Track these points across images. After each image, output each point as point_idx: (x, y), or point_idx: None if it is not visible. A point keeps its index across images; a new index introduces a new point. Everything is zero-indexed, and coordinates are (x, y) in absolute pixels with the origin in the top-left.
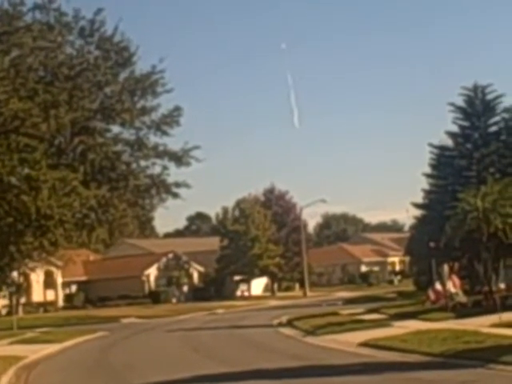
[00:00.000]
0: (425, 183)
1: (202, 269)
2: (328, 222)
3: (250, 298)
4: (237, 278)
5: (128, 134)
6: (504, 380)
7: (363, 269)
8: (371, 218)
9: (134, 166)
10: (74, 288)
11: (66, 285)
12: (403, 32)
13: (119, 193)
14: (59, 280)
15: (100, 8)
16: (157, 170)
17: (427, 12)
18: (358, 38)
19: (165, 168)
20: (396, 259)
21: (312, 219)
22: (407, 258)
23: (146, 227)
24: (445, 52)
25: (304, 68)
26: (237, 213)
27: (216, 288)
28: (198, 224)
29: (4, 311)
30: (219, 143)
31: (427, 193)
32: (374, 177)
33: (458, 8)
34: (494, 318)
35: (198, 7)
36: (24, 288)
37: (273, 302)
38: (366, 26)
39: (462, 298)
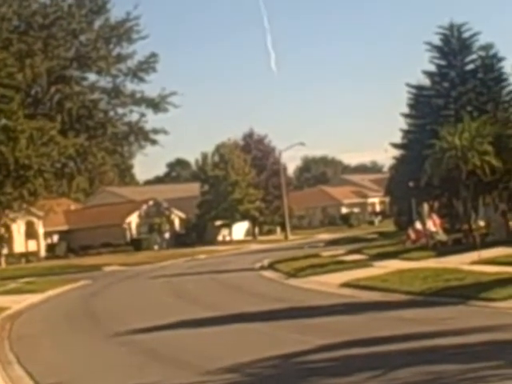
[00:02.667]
0: (403, 123)
1: (183, 215)
2: (307, 164)
3: (231, 242)
4: (218, 223)
5: (105, 82)
6: (483, 316)
7: (344, 210)
8: (350, 159)
9: (111, 113)
10: (55, 238)
11: (47, 235)
12: None
13: (97, 141)
14: (41, 230)
15: None
16: (134, 117)
17: None
18: None
19: (142, 115)
20: (376, 200)
21: (291, 162)
22: (387, 199)
23: (125, 175)
24: None
25: (281, 11)
26: (216, 158)
27: (198, 234)
28: (177, 170)
29: None
30: (197, 89)
31: (406, 133)
32: (353, 119)
33: None
34: (473, 255)
35: None
36: (5, 239)
37: (254, 246)
38: None
39: (442, 237)
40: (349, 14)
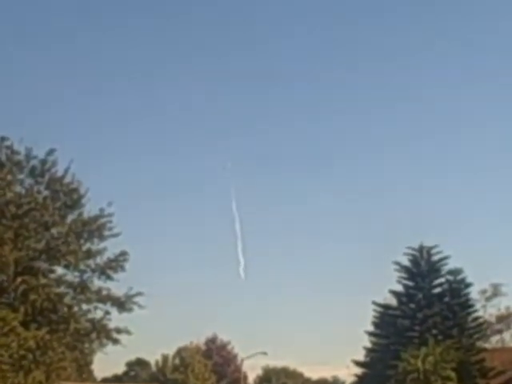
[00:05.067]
0: (367, 341)
1: None
2: (268, 375)
3: None
4: None
5: (72, 276)
6: None
7: None
8: (311, 373)
9: (75, 308)
10: None
11: None
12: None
13: (59, 335)
14: None
15: (52, 148)
16: (99, 314)
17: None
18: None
19: (107, 313)
20: None
21: (252, 371)
22: None
23: (83, 371)
24: (395, 213)
25: (253, 215)
26: (177, 361)
27: None
28: (137, 370)
29: None
30: (163, 289)
31: (369, 351)
32: (317, 331)
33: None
34: None
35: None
36: None
37: None
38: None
39: None
40: (319, 228)
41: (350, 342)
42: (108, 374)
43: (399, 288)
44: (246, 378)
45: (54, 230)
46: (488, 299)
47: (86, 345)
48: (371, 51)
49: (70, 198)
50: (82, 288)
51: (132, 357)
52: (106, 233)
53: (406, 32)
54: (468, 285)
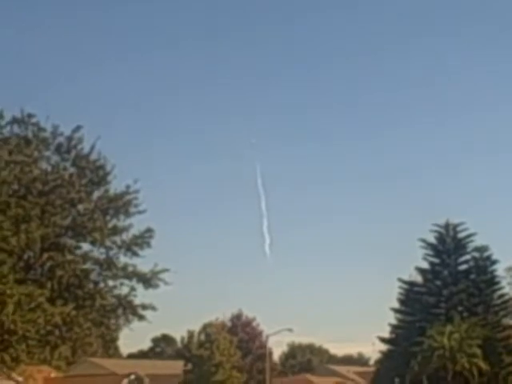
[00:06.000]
0: (392, 318)
1: None
2: (293, 351)
3: None
4: None
5: (98, 253)
6: None
7: None
8: (337, 349)
9: (101, 285)
10: None
11: None
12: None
13: (85, 311)
14: None
15: (79, 125)
16: (124, 290)
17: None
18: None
19: (132, 289)
20: None
21: (278, 348)
22: None
23: (109, 346)
24: (422, 192)
25: (279, 197)
26: (203, 337)
27: None
28: (162, 346)
29: None
30: (189, 265)
31: (394, 328)
32: (343, 308)
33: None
34: None
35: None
36: None
37: None
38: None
39: None
40: (342, 207)
41: (376, 319)
42: (134, 349)
43: (425, 265)
44: (271, 354)
45: (80, 207)
46: None
47: (112, 321)
48: None
49: (96, 174)
50: (108, 264)
51: (158, 333)
52: (132, 209)
53: None
54: (494, 262)
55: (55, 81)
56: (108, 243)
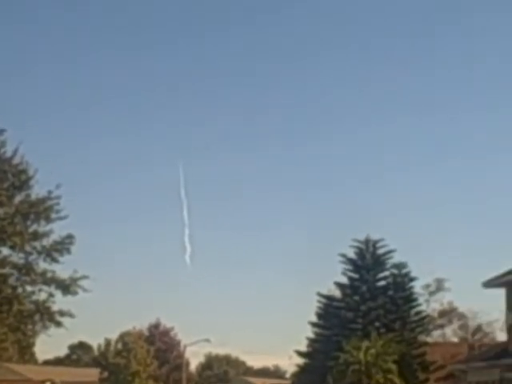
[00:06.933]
0: (310, 331)
1: None
2: (210, 362)
3: None
4: None
5: (17, 258)
6: None
7: None
8: (254, 361)
9: (19, 290)
10: None
11: None
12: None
13: (2, 316)
14: None
15: (2, 129)
16: (42, 296)
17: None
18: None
19: (51, 295)
20: None
21: (195, 358)
22: None
23: (25, 352)
24: (343, 205)
25: (200, 207)
26: (120, 345)
27: None
28: (79, 354)
29: None
30: (108, 272)
31: (312, 341)
32: (261, 320)
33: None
34: None
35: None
36: None
37: None
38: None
39: None
40: (269, 222)
41: (294, 333)
42: (50, 356)
43: (344, 280)
44: (188, 364)
45: (0, 211)
46: (431, 294)
47: (29, 326)
48: None
49: (18, 178)
50: (26, 269)
51: (75, 340)
52: (53, 215)
53: None
54: (412, 279)
55: None
56: (28, 248)
